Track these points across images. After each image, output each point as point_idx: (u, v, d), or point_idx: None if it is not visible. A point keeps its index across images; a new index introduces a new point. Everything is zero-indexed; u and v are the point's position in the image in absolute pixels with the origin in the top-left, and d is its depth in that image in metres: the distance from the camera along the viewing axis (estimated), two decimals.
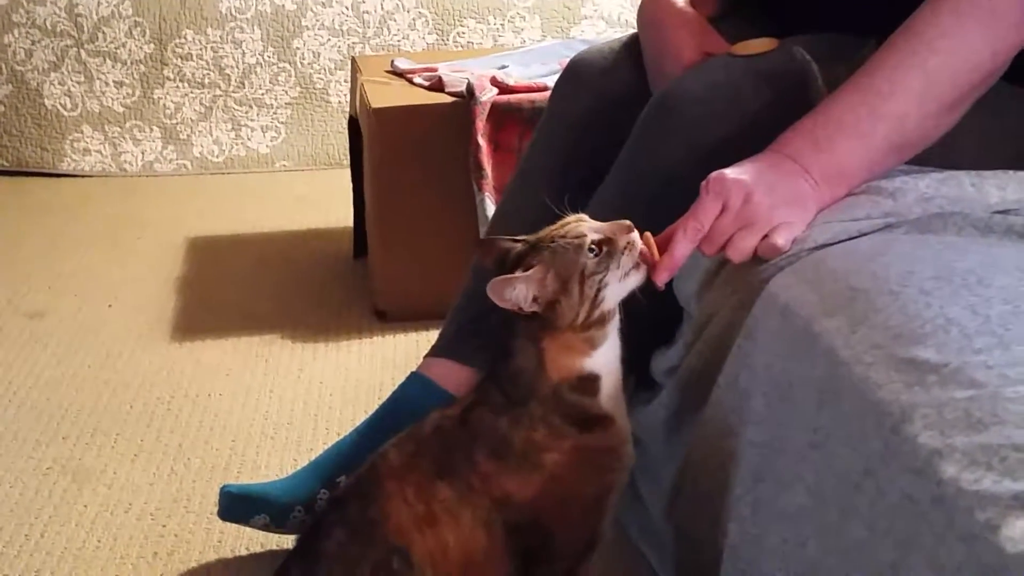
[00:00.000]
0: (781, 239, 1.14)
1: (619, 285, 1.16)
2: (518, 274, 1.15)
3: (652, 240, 1.17)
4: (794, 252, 1.13)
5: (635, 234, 1.16)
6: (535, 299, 1.15)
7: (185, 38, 3.34)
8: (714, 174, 1.16)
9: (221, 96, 3.39)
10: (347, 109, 3.32)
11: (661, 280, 1.16)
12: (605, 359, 1.19)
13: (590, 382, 1.19)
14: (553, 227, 1.20)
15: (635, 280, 1.17)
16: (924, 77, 1.15)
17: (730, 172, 1.16)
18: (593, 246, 1.15)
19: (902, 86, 1.15)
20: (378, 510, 1.20)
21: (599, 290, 1.15)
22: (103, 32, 3.32)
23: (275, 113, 3.41)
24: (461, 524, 1.18)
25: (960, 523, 0.78)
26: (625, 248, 1.15)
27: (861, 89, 1.17)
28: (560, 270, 1.15)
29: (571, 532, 1.21)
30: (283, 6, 3.35)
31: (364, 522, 1.21)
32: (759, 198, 1.14)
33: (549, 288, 1.15)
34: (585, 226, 1.17)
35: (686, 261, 1.18)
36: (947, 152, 1.22)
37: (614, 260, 1.15)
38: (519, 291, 1.15)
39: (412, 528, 1.18)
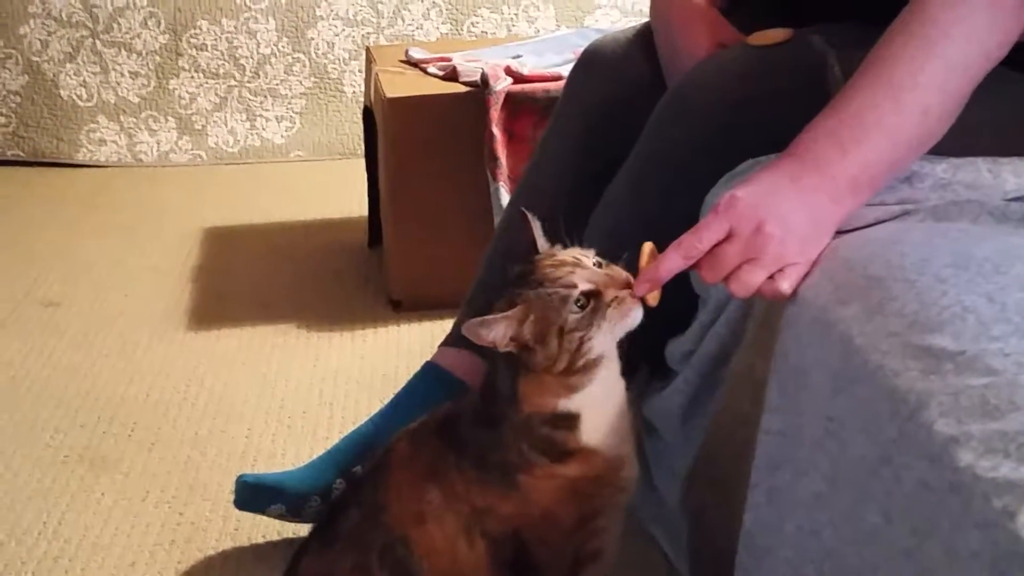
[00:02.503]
0: (787, 284, 1.07)
1: (608, 336, 1.11)
2: (497, 315, 1.10)
3: (650, 252, 1.11)
4: None
5: (626, 293, 1.10)
6: (512, 339, 1.10)
7: (200, 28, 3.35)
8: (727, 195, 1.09)
9: (236, 86, 3.39)
10: (361, 99, 3.32)
11: (639, 292, 1.10)
12: (590, 399, 1.14)
13: (566, 419, 1.14)
14: (548, 260, 1.13)
15: (627, 324, 1.11)
16: (945, 67, 1.10)
17: (744, 194, 1.08)
18: (581, 298, 1.09)
19: (924, 77, 1.09)
20: (384, 496, 1.21)
21: (581, 344, 1.10)
22: (118, 23, 3.33)
23: (290, 103, 3.41)
24: (444, 527, 1.17)
25: (976, 510, 0.78)
26: (611, 303, 1.09)
27: (881, 82, 1.11)
28: (540, 319, 1.10)
29: (551, 551, 1.17)
30: None
31: (374, 506, 1.21)
32: (771, 230, 1.06)
33: (527, 333, 1.10)
34: (578, 275, 1.10)
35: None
36: (964, 143, 1.20)
37: (598, 315, 1.09)
38: (496, 332, 1.10)
39: (409, 522, 1.18)
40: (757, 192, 1.08)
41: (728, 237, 1.07)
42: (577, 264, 1.12)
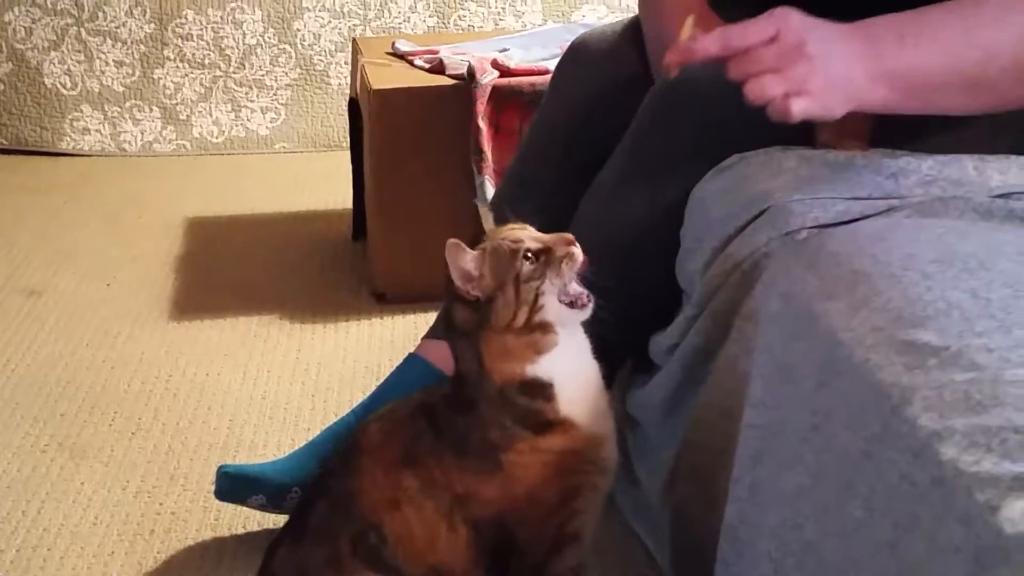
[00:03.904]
0: (797, 107, 1.08)
1: (560, 306, 1.15)
2: (471, 250, 1.16)
3: (691, 25, 1.13)
4: (794, 227, 1.12)
5: (575, 248, 1.15)
6: (475, 285, 1.15)
7: (186, 18, 3.33)
8: (781, 8, 1.10)
9: (221, 77, 3.38)
10: (347, 91, 3.31)
11: (668, 58, 1.11)
12: (559, 366, 1.16)
13: (539, 387, 1.16)
14: (498, 230, 1.20)
15: (579, 313, 1.16)
16: None
17: (799, 16, 1.09)
18: (530, 254, 1.14)
19: (1006, 23, 1.08)
20: (355, 484, 1.20)
21: (537, 296, 1.14)
22: (104, 11, 3.31)
23: (275, 94, 3.40)
24: (423, 514, 1.17)
25: (959, 504, 0.78)
26: (563, 259, 1.14)
27: (961, 7, 1.09)
28: (495, 269, 1.14)
29: (534, 531, 1.18)
30: None
31: (343, 495, 1.21)
32: (812, 51, 1.07)
33: (486, 281, 1.14)
34: (524, 234, 1.17)
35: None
36: (951, 139, 1.21)
37: (551, 268, 1.14)
38: (466, 261, 1.15)
39: (381, 508, 1.18)
40: (809, 20, 1.10)
41: (768, 42, 1.09)
42: (524, 228, 1.19)
